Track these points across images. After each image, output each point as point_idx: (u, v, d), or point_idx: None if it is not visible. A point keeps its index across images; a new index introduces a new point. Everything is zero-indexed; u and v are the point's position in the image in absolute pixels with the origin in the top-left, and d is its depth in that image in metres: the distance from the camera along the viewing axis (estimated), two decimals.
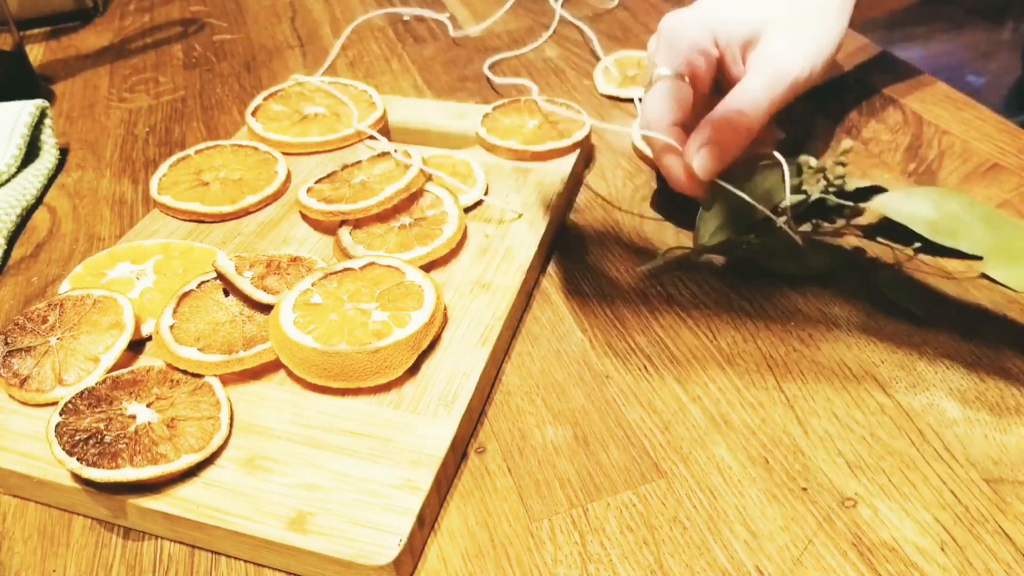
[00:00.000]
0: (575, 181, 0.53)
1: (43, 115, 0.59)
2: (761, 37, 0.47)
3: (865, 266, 0.45)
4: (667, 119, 0.46)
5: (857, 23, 0.50)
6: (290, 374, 0.38)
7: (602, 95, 0.63)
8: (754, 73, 0.47)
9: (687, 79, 0.46)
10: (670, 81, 0.46)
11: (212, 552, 0.34)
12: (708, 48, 0.47)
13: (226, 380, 0.38)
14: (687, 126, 0.46)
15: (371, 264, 0.42)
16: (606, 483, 0.35)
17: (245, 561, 0.34)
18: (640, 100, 0.53)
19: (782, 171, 0.45)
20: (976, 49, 2.17)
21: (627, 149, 0.56)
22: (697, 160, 0.44)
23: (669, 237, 0.48)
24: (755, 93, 0.46)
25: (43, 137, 0.59)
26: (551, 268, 0.47)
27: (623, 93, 0.62)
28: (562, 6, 0.77)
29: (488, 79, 0.64)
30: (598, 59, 0.67)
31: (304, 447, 0.35)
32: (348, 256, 0.44)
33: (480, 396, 0.38)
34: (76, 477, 0.34)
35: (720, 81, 0.50)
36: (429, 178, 0.49)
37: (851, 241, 0.46)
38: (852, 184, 0.47)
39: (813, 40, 0.47)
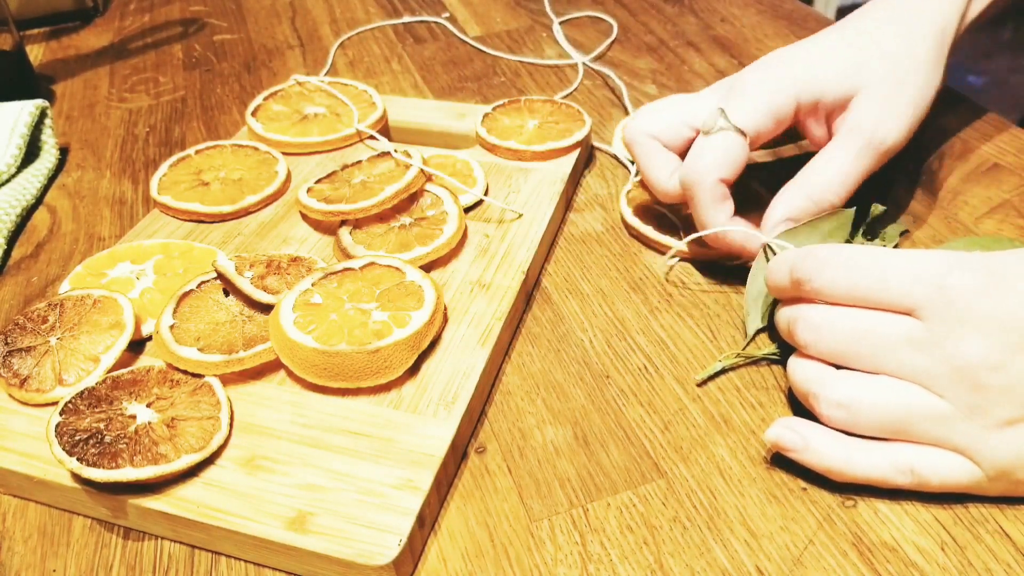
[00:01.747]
0: (575, 181, 0.53)
1: (43, 115, 0.59)
2: (854, 102, 0.43)
3: None
4: (715, 175, 0.41)
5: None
6: (290, 374, 0.38)
7: (611, 155, 0.56)
8: (843, 143, 0.42)
9: (749, 139, 0.42)
10: (732, 136, 0.42)
11: (212, 552, 0.34)
12: (786, 115, 0.43)
13: (226, 380, 0.38)
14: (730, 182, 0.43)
15: (371, 264, 0.42)
16: (606, 483, 0.35)
17: (245, 561, 0.34)
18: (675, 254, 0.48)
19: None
20: (976, 49, 2.17)
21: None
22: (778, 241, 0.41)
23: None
24: (843, 169, 0.42)
25: (43, 137, 0.59)
26: (551, 268, 0.47)
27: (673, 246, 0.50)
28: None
29: None
30: (627, 112, 0.61)
31: (304, 447, 0.35)
32: (348, 256, 0.44)
33: (480, 396, 0.38)
34: (76, 477, 0.34)
35: (791, 132, 0.46)
36: (429, 178, 0.49)
37: None
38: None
39: (911, 104, 0.43)
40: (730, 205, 0.43)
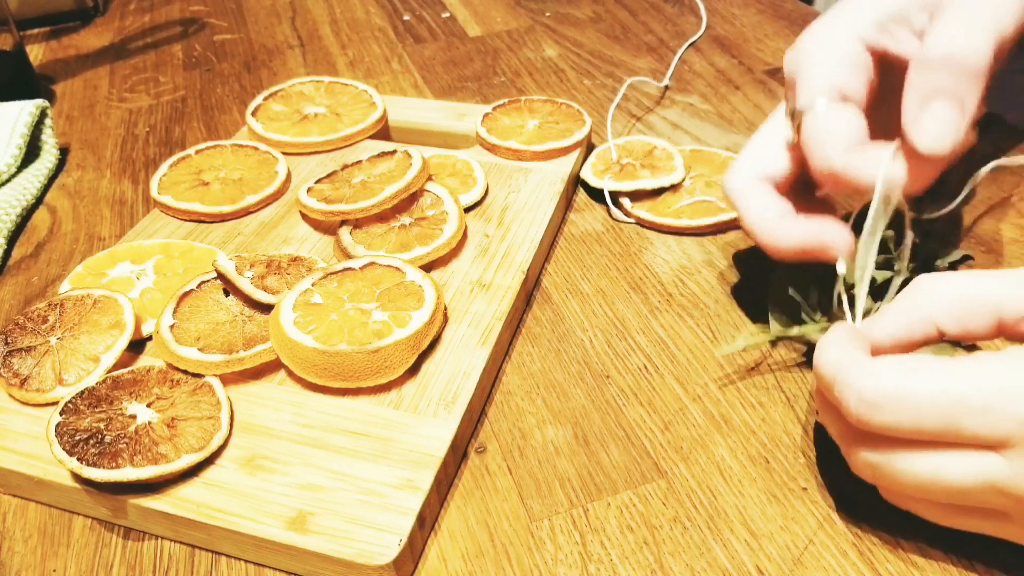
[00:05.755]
0: (575, 181, 0.53)
1: (43, 115, 0.59)
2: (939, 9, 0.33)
3: None
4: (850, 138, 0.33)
5: None
6: (290, 374, 0.38)
7: (580, 178, 0.53)
8: (947, 18, 0.32)
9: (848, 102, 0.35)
10: (834, 105, 0.34)
11: (212, 552, 0.34)
12: (858, 58, 0.35)
13: (226, 380, 0.38)
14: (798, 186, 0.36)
15: (371, 264, 0.42)
16: (606, 483, 0.35)
17: (245, 561, 0.34)
18: (609, 193, 0.49)
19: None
20: None
21: None
22: (928, 130, 0.31)
23: (669, 237, 0.48)
24: (963, 31, 0.31)
25: (43, 137, 0.59)
26: (551, 268, 0.47)
27: (594, 182, 0.51)
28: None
29: None
30: (633, 116, 0.60)
31: (304, 447, 0.35)
32: (348, 256, 0.44)
33: (480, 396, 0.38)
34: (76, 477, 0.34)
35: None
36: (429, 177, 0.49)
37: None
38: (945, 259, 0.43)
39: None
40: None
